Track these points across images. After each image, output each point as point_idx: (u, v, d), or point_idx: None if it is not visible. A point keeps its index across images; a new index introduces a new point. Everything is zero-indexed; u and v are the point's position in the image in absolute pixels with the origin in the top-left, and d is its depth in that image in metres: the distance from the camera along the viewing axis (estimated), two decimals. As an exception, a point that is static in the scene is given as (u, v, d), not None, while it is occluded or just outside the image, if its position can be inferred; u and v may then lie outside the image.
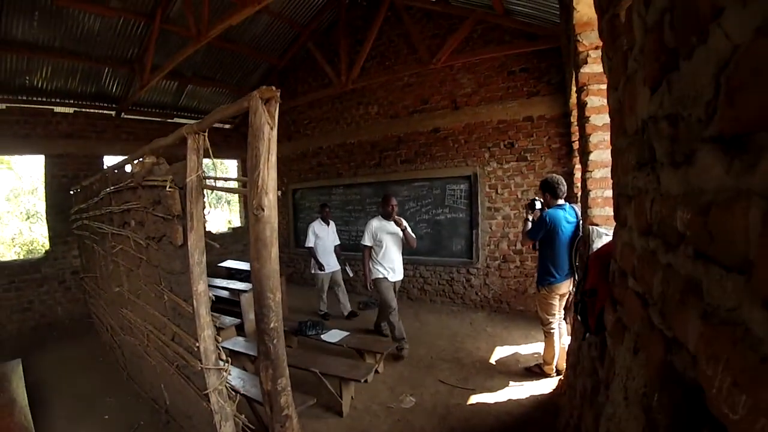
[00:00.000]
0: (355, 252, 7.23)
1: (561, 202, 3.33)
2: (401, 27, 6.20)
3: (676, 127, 0.59)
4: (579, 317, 1.74)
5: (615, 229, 1.23)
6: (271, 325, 1.65)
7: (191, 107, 7.78)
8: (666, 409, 0.50)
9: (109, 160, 6.55)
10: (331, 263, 5.64)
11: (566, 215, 3.25)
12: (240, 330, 4.80)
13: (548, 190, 3.38)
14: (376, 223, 4.39)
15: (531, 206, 3.56)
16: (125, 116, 6.93)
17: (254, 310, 1.70)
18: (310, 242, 5.58)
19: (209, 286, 5.93)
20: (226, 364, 2.33)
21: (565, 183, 3.39)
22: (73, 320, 6.10)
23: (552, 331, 3.45)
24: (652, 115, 0.69)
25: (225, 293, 5.31)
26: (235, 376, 2.93)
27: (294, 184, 8.07)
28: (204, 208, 2.23)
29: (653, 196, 0.73)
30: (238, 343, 3.85)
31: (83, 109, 6.45)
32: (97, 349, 4.90)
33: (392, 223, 4.29)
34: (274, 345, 1.66)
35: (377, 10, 6.18)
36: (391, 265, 4.37)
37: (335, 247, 5.74)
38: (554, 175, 3.56)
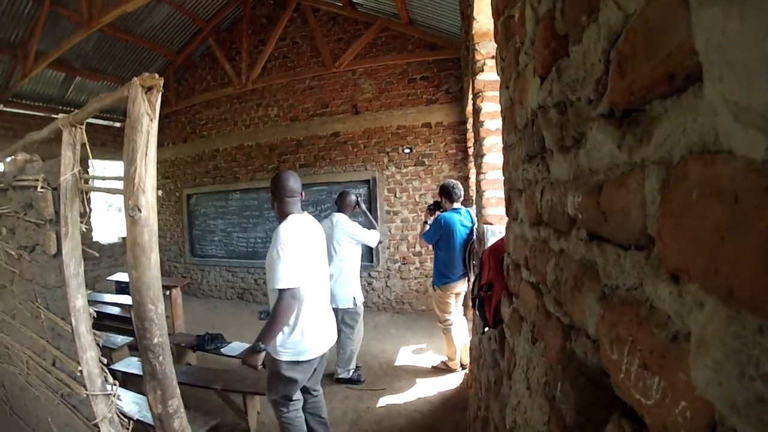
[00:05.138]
0: (251, 260, 6.84)
1: (457, 205, 3.49)
2: (306, 29, 6.10)
3: (564, 114, 0.59)
4: (477, 312, 1.80)
5: (507, 223, 1.28)
6: (155, 340, 1.42)
7: (79, 102, 6.81)
8: (571, 397, 0.49)
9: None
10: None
11: (461, 219, 3.42)
12: (134, 349, 4.24)
13: (444, 194, 3.52)
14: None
15: (436, 207, 3.64)
16: (4, 109, 5.97)
17: (134, 324, 1.46)
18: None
19: (96, 301, 5.12)
20: (114, 388, 2.02)
21: (461, 187, 3.57)
22: None
23: (450, 326, 3.59)
24: (541, 104, 0.70)
25: (116, 309, 4.64)
26: (129, 401, 2.63)
27: (189, 188, 7.43)
28: (84, 211, 1.93)
29: (543, 186, 0.74)
30: (132, 364, 3.43)
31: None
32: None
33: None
34: (160, 362, 1.43)
35: (283, 10, 6.02)
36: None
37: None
38: (451, 180, 3.74)
